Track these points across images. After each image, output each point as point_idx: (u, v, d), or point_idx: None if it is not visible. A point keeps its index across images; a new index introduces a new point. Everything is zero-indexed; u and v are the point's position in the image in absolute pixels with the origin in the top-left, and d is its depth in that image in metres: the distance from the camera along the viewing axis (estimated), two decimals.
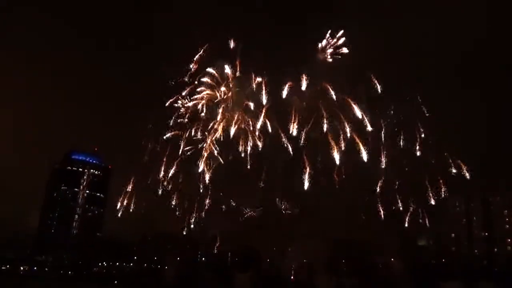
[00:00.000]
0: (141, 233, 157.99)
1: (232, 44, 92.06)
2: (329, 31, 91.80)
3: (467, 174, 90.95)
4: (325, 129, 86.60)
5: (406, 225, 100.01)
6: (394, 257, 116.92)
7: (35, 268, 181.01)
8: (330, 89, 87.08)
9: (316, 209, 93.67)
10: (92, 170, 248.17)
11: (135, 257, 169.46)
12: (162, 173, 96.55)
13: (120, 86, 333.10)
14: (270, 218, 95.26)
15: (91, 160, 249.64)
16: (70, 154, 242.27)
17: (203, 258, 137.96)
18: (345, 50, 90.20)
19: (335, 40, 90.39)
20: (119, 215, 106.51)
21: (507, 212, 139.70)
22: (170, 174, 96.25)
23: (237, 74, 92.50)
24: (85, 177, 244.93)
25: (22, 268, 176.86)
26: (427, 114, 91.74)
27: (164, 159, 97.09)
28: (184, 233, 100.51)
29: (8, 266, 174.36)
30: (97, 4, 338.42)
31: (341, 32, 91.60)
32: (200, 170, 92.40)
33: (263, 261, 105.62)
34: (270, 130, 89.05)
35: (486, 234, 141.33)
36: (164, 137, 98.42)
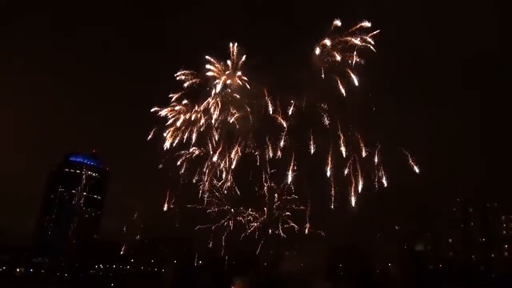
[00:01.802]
0: (139, 236, 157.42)
1: (231, 48, 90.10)
2: (336, 22, 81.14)
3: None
4: (329, 175, 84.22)
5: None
6: (392, 263, 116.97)
7: (31, 270, 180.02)
8: (339, 125, 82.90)
9: (315, 215, 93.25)
10: (90, 172, 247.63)
11: (132, 260, 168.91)
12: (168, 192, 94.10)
13: (120, 88, 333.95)
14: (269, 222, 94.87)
15: (89, 162, 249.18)
16: (68, 156, 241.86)
17: (201, 262, 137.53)
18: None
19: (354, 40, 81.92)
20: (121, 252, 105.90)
21: (505, 217, 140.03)
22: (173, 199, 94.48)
23: (238, 79, 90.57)
24: (83, 179, 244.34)
25: (18, 270, 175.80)
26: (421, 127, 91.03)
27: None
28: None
29: (4, 267, 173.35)
30: (98, 4, 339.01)
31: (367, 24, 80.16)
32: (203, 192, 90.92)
33: (261, 265, 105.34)
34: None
35: (484, 239, 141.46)
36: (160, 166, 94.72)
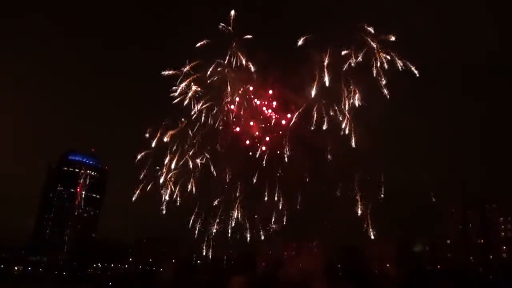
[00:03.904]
0: (137, 235, 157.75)
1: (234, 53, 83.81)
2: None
3: None
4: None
5: None
6: (390, 263, 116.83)
7: (29, 268, 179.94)
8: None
9: (312, 215, 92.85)
10: (88, 171, 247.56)
11: (130, 259, 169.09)
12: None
13: (119, 90, 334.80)
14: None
15: (88, 161, 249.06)
16: (67, 155, 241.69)
17: (199, 261, 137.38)
18: None
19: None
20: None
21: (503, 219, 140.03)
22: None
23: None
24: (82, 178, 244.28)
25: (16, 268, 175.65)
26: None
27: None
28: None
29: (2, 266, 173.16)
30: (98, 4, 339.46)
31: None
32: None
33: (259, 265, 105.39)
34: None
35: (482, 241, 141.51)
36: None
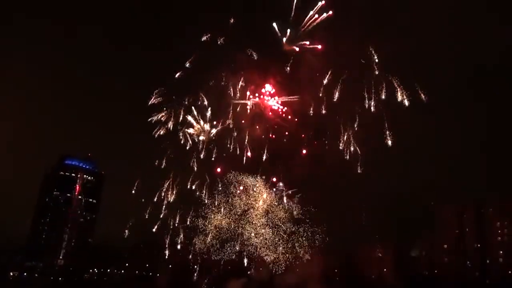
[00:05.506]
0: (134, 239, 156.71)
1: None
2: None
3: None
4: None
5: None
6: (387, 268, 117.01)
7: (24, 274, 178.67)
8: None
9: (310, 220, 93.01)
10: (85, 176, 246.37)
11: (127, 264, 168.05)
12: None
13: (118, 93, 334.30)
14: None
15: (84, 166, 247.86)
16: (64, 159, 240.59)
17: (195, 266, 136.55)
18: None
19: None
20: None
21: (500, 224, 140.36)
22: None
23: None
24: (78, 182, 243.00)
25: (11, 274, 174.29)
26: None
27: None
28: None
29: None
30: (101, 5, 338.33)
31: None
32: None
33: (256, 269, 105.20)
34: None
35: (479, 245, 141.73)
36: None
